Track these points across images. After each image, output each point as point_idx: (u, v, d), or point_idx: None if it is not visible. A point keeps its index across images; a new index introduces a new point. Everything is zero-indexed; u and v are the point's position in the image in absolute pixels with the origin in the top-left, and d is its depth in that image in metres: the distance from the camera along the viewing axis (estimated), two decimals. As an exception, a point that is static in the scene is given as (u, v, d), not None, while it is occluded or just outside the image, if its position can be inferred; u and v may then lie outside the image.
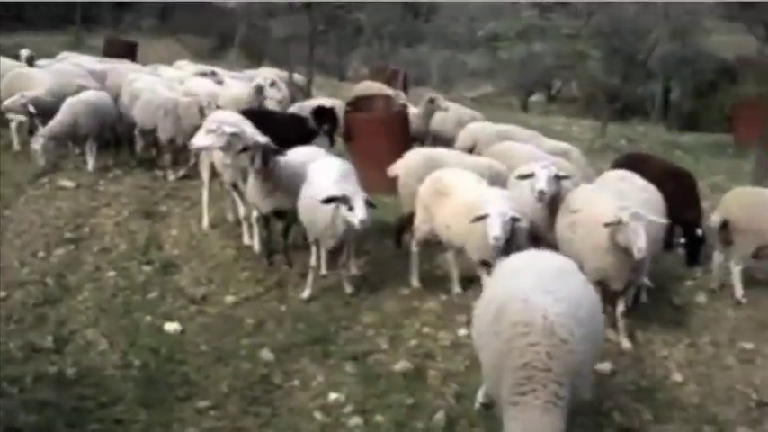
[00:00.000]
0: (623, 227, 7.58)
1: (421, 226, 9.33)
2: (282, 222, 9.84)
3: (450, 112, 14.31)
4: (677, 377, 7.91)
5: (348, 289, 9.20)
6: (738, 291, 9.57)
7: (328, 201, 8.30)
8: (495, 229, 7.84)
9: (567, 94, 40.42)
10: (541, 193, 8.62)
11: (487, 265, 8.49)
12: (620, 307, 8.35)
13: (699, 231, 10.20)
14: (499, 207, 8.00)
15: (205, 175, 11.00)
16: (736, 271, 9.55)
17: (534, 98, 40.18)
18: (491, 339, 5.32)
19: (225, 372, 7.50)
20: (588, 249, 8.09)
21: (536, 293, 5.30)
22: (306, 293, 9.08)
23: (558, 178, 8.76)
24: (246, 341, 8.12)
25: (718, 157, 21.09)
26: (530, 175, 8.78)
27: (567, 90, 40.66)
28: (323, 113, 12.51)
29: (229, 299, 9.08)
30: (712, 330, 8.96)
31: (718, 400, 7.59)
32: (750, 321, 9.21)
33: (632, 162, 10.91)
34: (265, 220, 9.85)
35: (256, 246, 10.25)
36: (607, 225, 7.69)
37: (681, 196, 10.17)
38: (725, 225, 9.56)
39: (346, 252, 9.28)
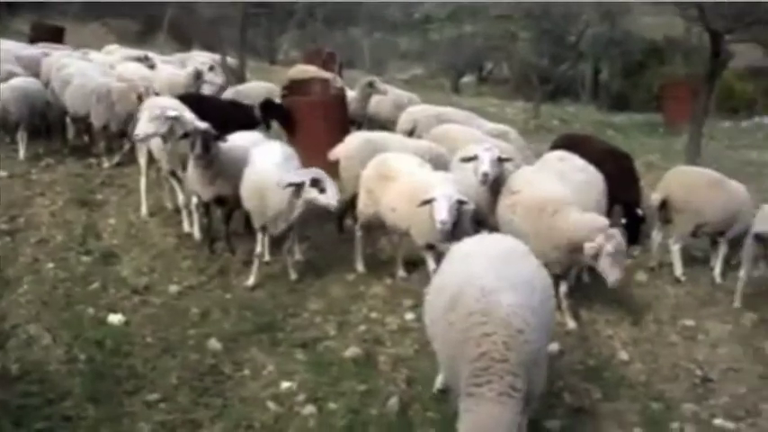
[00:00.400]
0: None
1: (364, 210, 9.27)
2: (223, 209, 9.67)
3: (387, 95, 14.26)
4: (623, 356, 8.01)
5: (293, 275, 9.12)
6: (678, 269, 9.73)
7: (296, 185, 8.23)
8: (441, 213, 7.82)
9: (498, 75, 40.67)
10: (485, 175, 8.61)
11: (432, 248, 8.52)
12: (563, 288, 8.41)
13: (639, 211, 10.34)
14: (445, 190, 7.98)
15: (142, 161, 10.78)
16: (675, 249, 9.71)
17: (465, 79, 40.26)
18: (446, 329, 5.23)
19: (173, 363, 7.35)
20: (528, 232, 8.12)
21: (491, 281, 5.22)
22: (251, 281, 8.96)
23: (500, 160, 8.77)
24: (193, 331, 7.98)
25: (650, 136, 21.41)
26: (473, 158, 8.79)
27: (498, 71, 40.89)
28: (271, 107, 12.39)
29: (173, 288, 8.90)
30: (654, 308, 9.08)
31: (665, 377, 7.70)
32: (690, 298, 9.37)
33: (571, 143, 10.96)
34: (206, 207, 9.71)
35: (197, 233, 10.08)
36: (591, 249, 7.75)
37: (620, 176, 10.18)
38: (664, 204, 9.72)
39: (292, 238, 9.17)
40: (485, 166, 8.61)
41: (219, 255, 9.76)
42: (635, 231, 10.41)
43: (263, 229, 8.85)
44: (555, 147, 11.12)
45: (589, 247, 7.69)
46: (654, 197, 9.87)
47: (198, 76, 13.67)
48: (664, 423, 6.86)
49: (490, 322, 4.94)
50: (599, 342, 8.21)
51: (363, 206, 9.29)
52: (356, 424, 6.43)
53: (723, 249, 9.80)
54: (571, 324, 8.38)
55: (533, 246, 7.57)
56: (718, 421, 6.97)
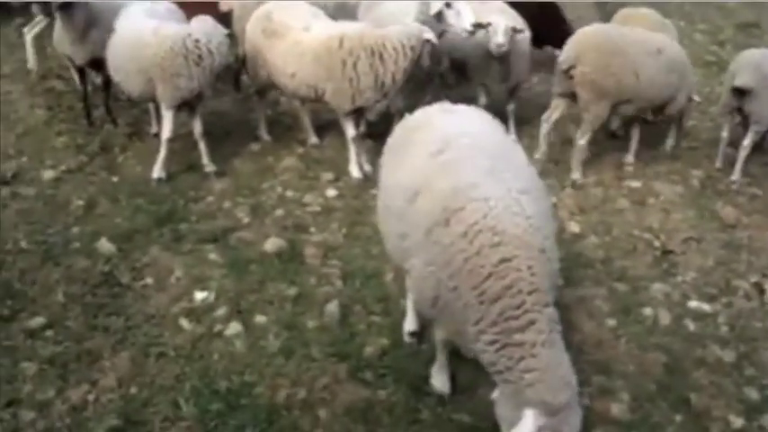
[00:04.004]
0: None
1: (256, 72, 8.02)
2: (101, 73, 8.17)
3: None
4: (574, 228, 7.23)
5: (209, 166, 7.62)
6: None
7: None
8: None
9: None
10: (499, 47, 7.91)
11: (355, 113, 7.39)
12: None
13: None
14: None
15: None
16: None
17: None
18: (435, 251, 3.95)
19: (57, 274, 5.92)
20: None
21: (499, 187, 3.95)
22: (156, 173, 7.41)
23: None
24: (77, 229, 6.56)
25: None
26: (484, 26, 7.85)
27: None
28: None
29: (48, 174, 7.38)
30: (596, 168, 8.28)
31: (622, 251, 6.96)
32: (630, 156, 8.55)
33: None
34: (81, 73, 8.22)
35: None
36: None
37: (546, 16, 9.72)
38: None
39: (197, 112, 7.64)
40: (499, 37, 7.88)
41: (99, 127, 8.33)
42: None
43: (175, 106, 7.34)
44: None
45: None
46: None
47: None
48: (635, 309, 6.11)
49: (506, 243, 3.75)
50: (544, 212, 7.30)
51: (254, 67, 8.02)
52: (294, 344, 5.28)
53: None
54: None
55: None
56: (693, 304, 6.26)
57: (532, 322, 3.66)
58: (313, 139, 8.37)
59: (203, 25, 7.25)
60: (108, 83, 8.17)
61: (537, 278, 3.72)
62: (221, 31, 7.35)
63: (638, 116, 8.36)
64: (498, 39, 7.82)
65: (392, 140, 4.89)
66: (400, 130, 4.87)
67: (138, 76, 7.23)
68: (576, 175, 8.12)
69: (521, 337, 3.65)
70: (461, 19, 7.33)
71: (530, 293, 3.68)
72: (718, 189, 8.16)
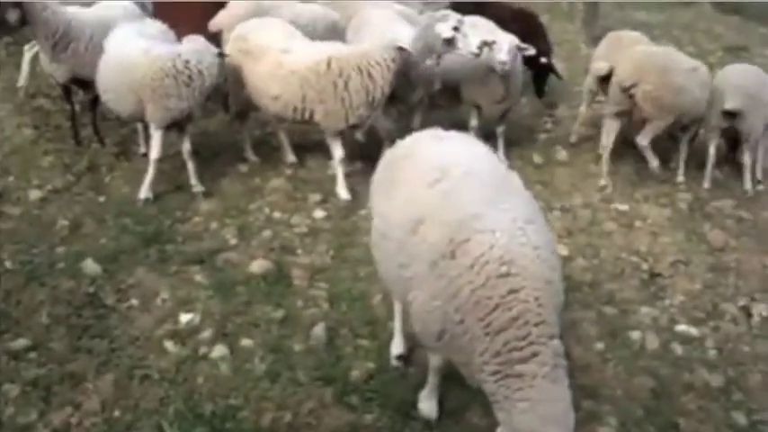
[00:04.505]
0: None
1: (237, 93, 7.96)
2: (87, 92, 8.13)
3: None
4: (562, 250, 7.16)
5: (197, 187, 7.55)
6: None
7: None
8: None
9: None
10: (503, 64, 7.88)
11: (342, 134, 7.39)
12: None
13: (542, 60, 9.57)
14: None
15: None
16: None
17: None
18: (440, 285, 3.90)
19: (41, 295, 5.85)
20: None
21: (500, 215, 3.93)
22: (143, 193, 7.32)
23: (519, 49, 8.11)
24: (63, 249, 6.50)
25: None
26: (489, 44, 7.73)
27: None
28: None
29: (34, 194, 7.31)
30: (582, 191, 8.28)
31: (610, 274, 6.97)
32: (618, 178, 8.58)
33: (477, 5, 9.85)
34: (67, 91, 8.15)
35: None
36: None
37: (531, 34, 9.40)
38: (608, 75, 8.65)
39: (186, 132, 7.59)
40: (503, 55, 7.84)
41: (87, 147, 8.27)
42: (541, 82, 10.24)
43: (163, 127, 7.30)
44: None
45: None
46: (600, 66, 8.78)
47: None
48: (623, 332, 6.11)
49: (515, 274, 3.72)
50: (531, 234, 7.27)
51: (235, 89, 7.96)
52: (280, 368, 5.24)
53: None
54: None
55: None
56: (680, 327, 6.27)
57: (536, 354, 3.63)
58: (291, 158, 8.31)
59: (194, 46, 7.24)
60: (95, 102, 8.09)
61: (544, 309, 3.70)
62: (212, 51, 7.31)
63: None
64: (502, 56, 7.81)
65: (383, 167, 4.83)
66: (391, 157, 4.81)
67: (127, 97, 7.18)
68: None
69: (522, 368, 3.62)
70: (468, 43, 7.27)
71: (536, 325, 3.66)
72: (706, 212, 8.19)
